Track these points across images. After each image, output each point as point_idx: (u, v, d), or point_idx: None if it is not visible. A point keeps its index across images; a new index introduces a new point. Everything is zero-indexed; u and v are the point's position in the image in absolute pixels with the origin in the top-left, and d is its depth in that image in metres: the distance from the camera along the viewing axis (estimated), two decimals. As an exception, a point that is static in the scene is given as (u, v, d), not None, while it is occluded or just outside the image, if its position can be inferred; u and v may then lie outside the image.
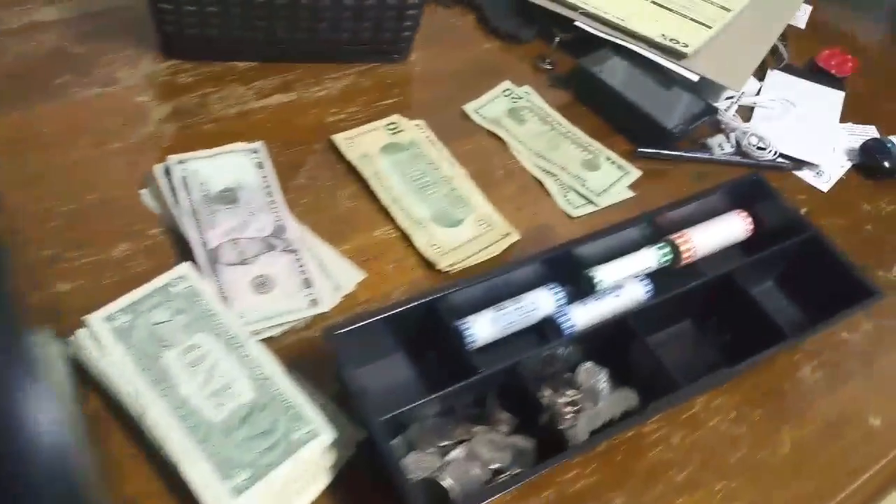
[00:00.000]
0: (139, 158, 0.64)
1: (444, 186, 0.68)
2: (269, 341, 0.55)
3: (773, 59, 0.88)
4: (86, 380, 0.51)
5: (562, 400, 0.54)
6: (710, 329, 0.62)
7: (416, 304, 0.53)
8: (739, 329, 0.60)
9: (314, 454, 0.47)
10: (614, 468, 0.54)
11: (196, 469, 0.45)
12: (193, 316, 0.52)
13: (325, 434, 0.48)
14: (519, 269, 0.58)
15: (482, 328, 0.56)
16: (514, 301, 0.58)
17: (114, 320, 0.51)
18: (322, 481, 0.49)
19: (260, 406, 0.48)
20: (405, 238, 0.64)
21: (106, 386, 0.50)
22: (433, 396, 0.49)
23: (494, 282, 0.57)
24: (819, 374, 0.62)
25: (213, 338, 0.51)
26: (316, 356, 0.54)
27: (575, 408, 0.54)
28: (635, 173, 0.73)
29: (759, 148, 0.76)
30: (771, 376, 0.61)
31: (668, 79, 0.78)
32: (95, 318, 0.51)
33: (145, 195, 0.62)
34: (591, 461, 0.54)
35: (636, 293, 0.61)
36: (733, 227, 0.66)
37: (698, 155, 0.76)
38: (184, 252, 0.58)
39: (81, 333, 0.51)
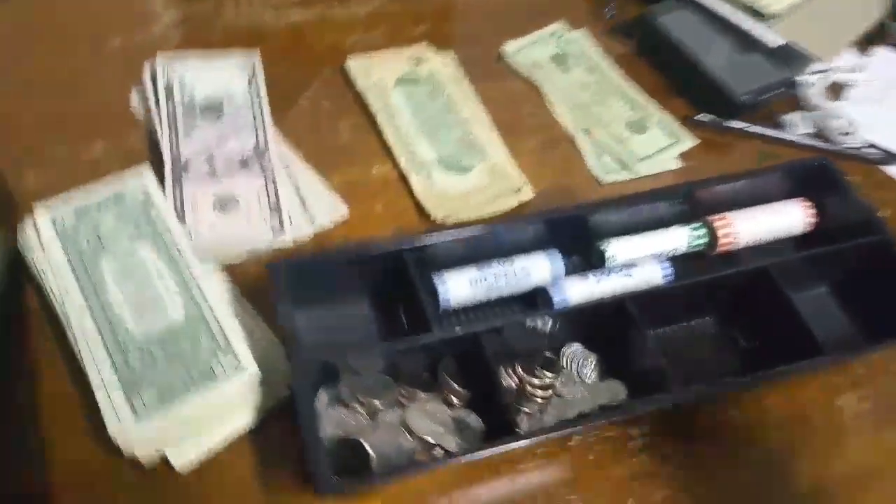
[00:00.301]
0: (137, 61, 0.62)
1: (460, 129, 0.63)
2: (228, 267, 0.52)
3: (884, 34, 0.77)
4: (27, 274, 0.50)
5: (535, 381, 0.49)
6: (735, 332, 0.55)
7: (377, 251, 0.48)
8: (770, 337, 0.53)
9: (234, 389, 0.44)
10: (581, 468, 0.48)
11: (102, 381, 0.43)
12: (142, 225, 0.50)
13: (250, 370, 0.44)
14: (517, 226, 0.53)
15: (459, 287, 0.51)
16: (503, 262, 0.52)
17: (59, 218, 0.50)
18: (245, 420, 0.46)
19: (186, 329, 0.46)
20: (404, 180, 0.60)
21: (40, 282, 0.48)
22: (365, 348, 0.44)
23: (486, 239, 0.52)
24: (866, 406, 0.53)
25: (156, 251, 0.49)
26: (274, 290, 0.51)
27: (548, 392, 0.49)
28: (688, 142, 0.66)
29: (844, 133, 0.66)
30: (802, 399, 0.53)
31: (746, 41, 0.69)
32: (40, 214, 0.50)
33: (134, 98, 0.60)
34: (555, 455, 0.48)
35: (652, 276, 0.54)
36: (790, 216, 0.58)
37: (768, 132, 0.67)
38: (160, 160, 0.56)
39: (27, 226, 0.50)
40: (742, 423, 0.51)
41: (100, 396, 0.43)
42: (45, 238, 0.48)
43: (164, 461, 0.43)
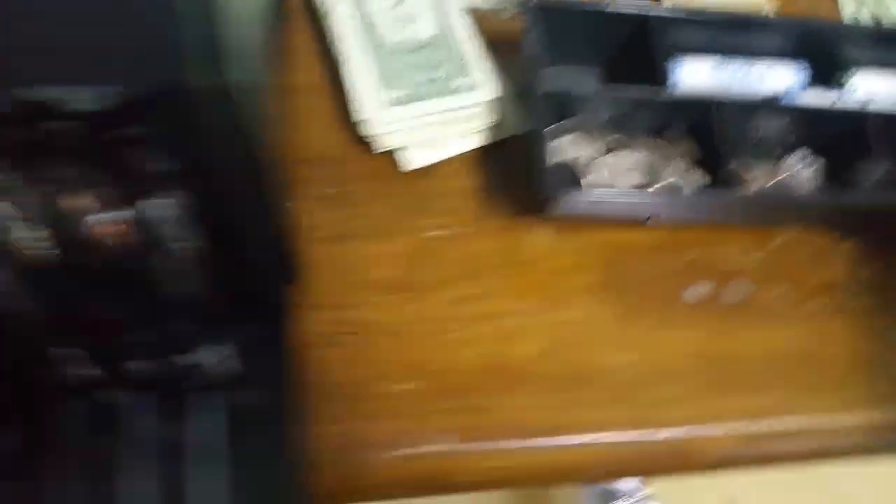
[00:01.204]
0: None
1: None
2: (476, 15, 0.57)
3: None
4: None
5: (754, 171, 0.53)
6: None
7: (626, 9, 0.53)
8: None
9: (469, 104, 0.51)
10: (778, 256, 0.52)
11: (362, 73, 0.51)
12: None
13: (485, 90, 0.51)
14: (769, 29, 0.56)
15: (695, 73, 0.55)
16: (746, 61, 0.56)
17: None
18: (471, 142, 0.52)
19: (434, 45, 0.52)
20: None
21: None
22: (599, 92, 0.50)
23: (734, 39, 0.56)
24: None
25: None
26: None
27: (765, 181, 0.53)
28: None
29: None
30: None
31: None
32: None
33: None
34: (755, 238, 0.52)
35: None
36: None
37: None
38: None
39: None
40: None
41: (357, 87, 0.50)
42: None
43: (395, 160, 0.51)
